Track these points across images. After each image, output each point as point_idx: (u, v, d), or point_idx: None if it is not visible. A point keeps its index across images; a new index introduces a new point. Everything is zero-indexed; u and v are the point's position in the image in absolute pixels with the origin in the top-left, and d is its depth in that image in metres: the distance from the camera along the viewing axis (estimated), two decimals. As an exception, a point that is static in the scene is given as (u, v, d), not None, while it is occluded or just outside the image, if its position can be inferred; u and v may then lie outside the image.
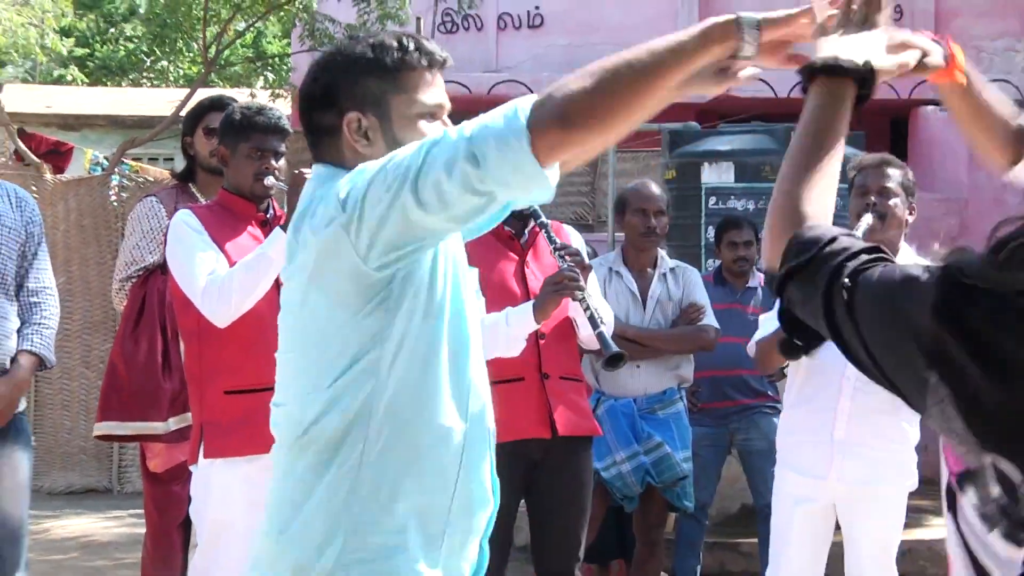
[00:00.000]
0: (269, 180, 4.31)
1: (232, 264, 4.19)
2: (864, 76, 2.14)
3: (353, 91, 2.51)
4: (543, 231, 4.70)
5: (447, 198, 2.17)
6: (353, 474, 2.40)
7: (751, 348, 4.91)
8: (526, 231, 4.85)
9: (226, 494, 4.22)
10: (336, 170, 2.48)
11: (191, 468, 4.42)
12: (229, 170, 4.42)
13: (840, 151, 2.12)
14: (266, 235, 4.32)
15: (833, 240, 1.86)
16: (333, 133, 2.54)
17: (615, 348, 4.65)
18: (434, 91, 2.54)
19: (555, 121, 2.09)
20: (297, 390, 2.50)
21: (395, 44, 2.51)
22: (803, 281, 1.89)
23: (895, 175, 4.56)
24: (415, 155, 2.20)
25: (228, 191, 4.43)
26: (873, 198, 4.44)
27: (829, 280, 1.81)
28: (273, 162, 4.35)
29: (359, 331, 2.38)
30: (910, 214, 4.60)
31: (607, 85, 2.11)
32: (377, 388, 2.39)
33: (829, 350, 4.62)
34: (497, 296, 4.42)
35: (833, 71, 2.10)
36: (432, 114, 2.52)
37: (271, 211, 4.47)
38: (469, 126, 2.15)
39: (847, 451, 4.51)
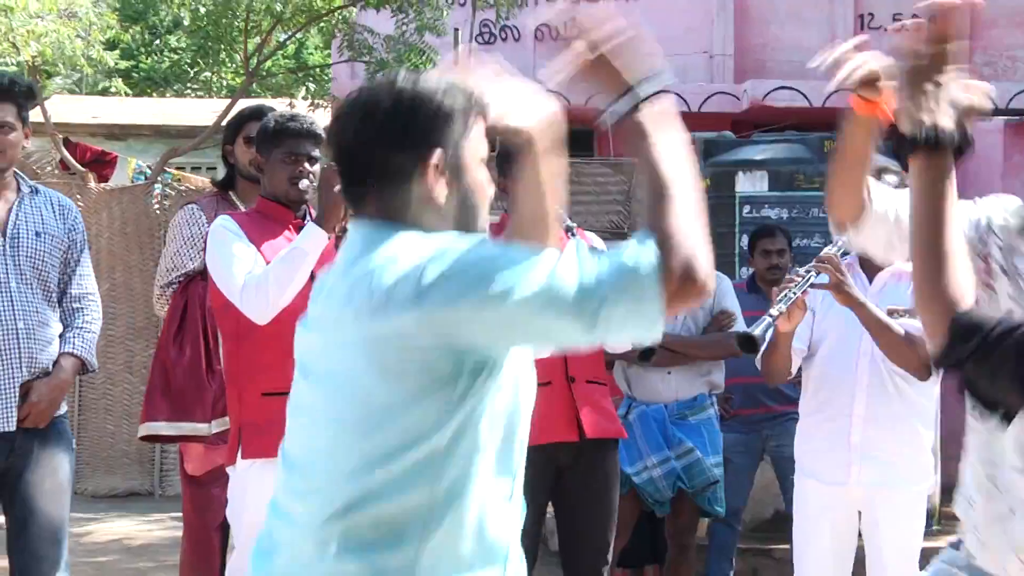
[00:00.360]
0: (303, 184, 4.33)
1: (265, 259, 4.23)
2: (960, 145, 2.20)
3: (441, 127, 2.27)
4: (572, 239, 4.56)
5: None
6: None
7: (757, 362, 4.85)
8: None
9: (263, 496, 4.23)
10: (391, 226, 2.25)
11: (228, 470, 4.41)
12: (265, 177, 4.42)
13: (954, 219, 2.20)
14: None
15: (1000, 322, 2.05)
16: (403, 178, 2.26)
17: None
18: (483, 137, 2.35)
19: (685, 280, 1.99)
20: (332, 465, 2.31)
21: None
22: (980, 362, 2.09)
23: None
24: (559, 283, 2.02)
25: (265, 198, 4.44)
26: None
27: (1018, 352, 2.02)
28: (307, 166, 4.35)
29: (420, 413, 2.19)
30: None
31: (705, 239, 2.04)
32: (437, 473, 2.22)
33: (838, 357, 4.50)
34: None
35: (934, 144, 2.15)
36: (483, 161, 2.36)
37: (308, 216, 4.43)
38: (594, 269, 2.01)
39: (865, 455, 4.50)
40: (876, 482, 4.54)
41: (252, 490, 4.18)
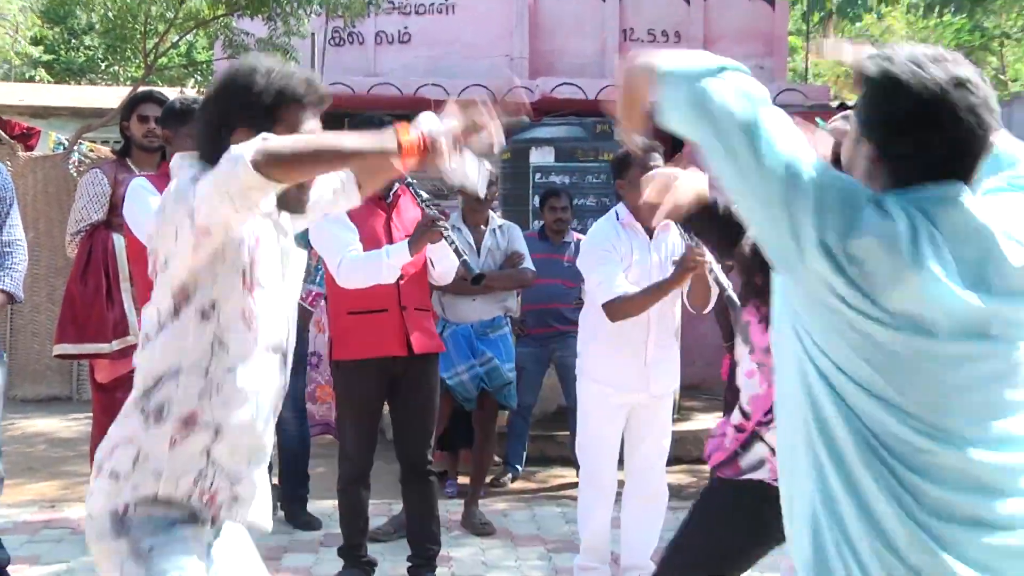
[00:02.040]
0: None
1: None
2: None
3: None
4: (411, 189, 4.69)
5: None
6: None
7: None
8: (390, 194, 4.73)
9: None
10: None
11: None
12: (173, 147, 4.27)
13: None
14: None
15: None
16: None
17: (476, 270, 4.85)
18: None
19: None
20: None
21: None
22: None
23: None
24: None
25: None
26: None
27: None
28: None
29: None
30: None
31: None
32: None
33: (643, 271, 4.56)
34: (370, 244, 4.51)
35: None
36: None
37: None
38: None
39: (654, 369, 4.51)
40: (660, 390, 4.57)
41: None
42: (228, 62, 9.86)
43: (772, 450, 2.74)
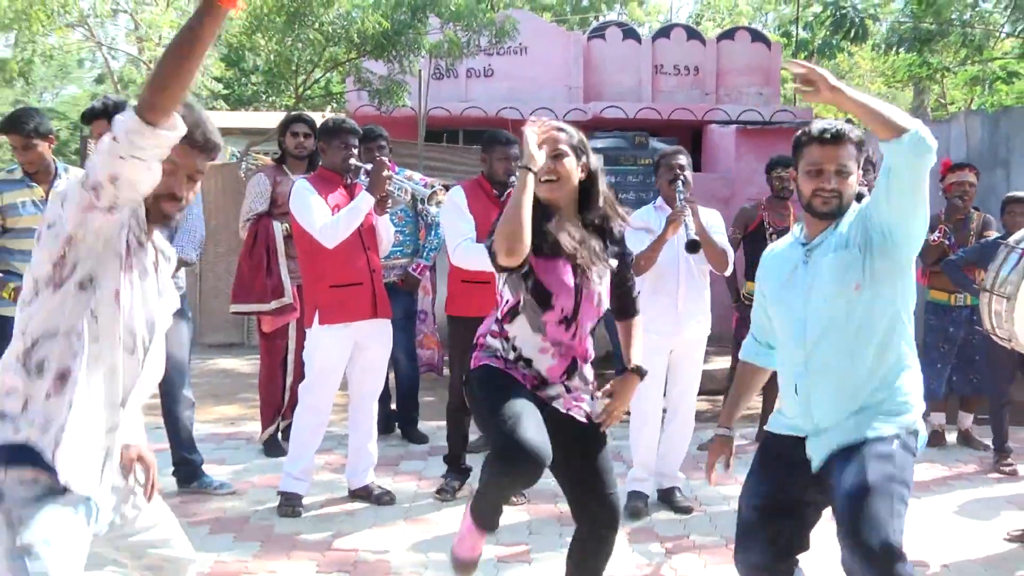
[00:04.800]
0: (353, 162, 4.20)
1: (330, 207, 4.04)
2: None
3: None
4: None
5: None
6: None
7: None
8: (503, 192, 4.26)
9: (329, 347, 4.13)
10: None
11: (307, 330, 4.18)
12: (326, 157, 4.21)
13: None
14: (348, 195, 4.15)
15: None
16: None
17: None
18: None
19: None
20: None
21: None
22: None
23: (683, 159, 4.27)
24: None
25: (326, 168, 4.23)
26: (678, 171, 4.17)
27: None
28: (353, 151, 4.21)
29: None
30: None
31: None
32: None
33: (668, 259, 4.23)
34: (483, 233, 4.04)
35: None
36: None
37: (350, 181, 4.24)
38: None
39: (686, 317, 4.20)
40: (693, 335, 4.26)
41: (322, 343, 4.11)
42: (357, 93, 9.94)
43: None
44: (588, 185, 2.60)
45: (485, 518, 2.51)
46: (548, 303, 2.57)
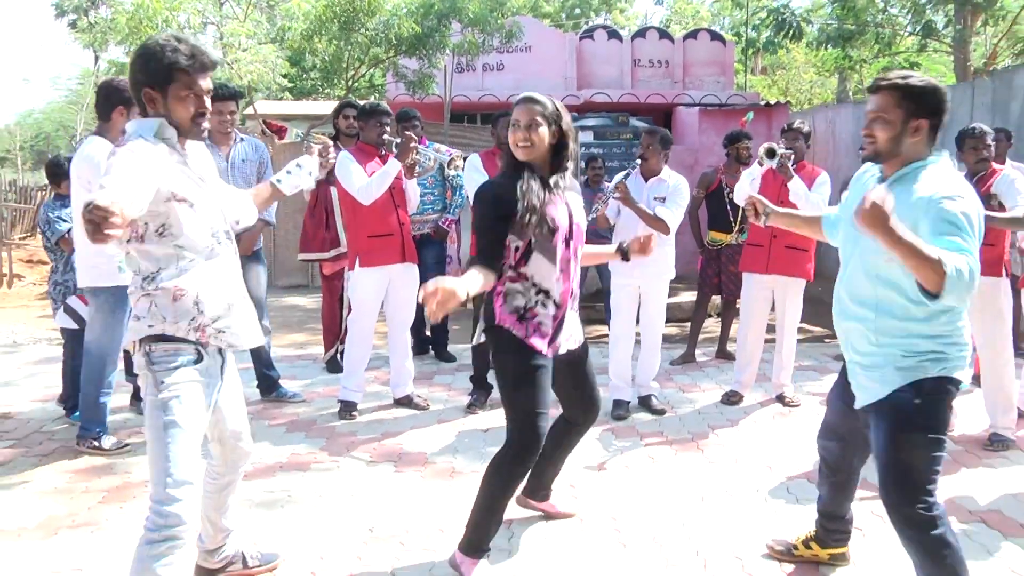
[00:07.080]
0: (386, 137, 4.07)
1: (368, 175, 3.96)
2: None
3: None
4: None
5: None
6: None
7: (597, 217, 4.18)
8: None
9: (367, 288, 4.05)
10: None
11: (348, 273, 4.20)
12: (364, 133, 4.11)
13: None
14: (382, 163, 4.06)
15: None
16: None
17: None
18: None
19: None
20: None
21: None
22: None
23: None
24: None
25: (364, 143, 4.12)
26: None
27: None
28: (387, 128, 4.10)
29: None
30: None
31: None
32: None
33: (629, 222, 4.07)
34: None
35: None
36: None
37: (384, 152, 4.10)
38: None
39: (650, 264, 3.98)
40: (657, 273, 4.08)
41: (361, 282, 4.02)
42: (395, 84, 9.73)
43: None
44: (560, 148, 2.40)
45: (486, 539, 2.40)
46: (553, 228, 2.42)
